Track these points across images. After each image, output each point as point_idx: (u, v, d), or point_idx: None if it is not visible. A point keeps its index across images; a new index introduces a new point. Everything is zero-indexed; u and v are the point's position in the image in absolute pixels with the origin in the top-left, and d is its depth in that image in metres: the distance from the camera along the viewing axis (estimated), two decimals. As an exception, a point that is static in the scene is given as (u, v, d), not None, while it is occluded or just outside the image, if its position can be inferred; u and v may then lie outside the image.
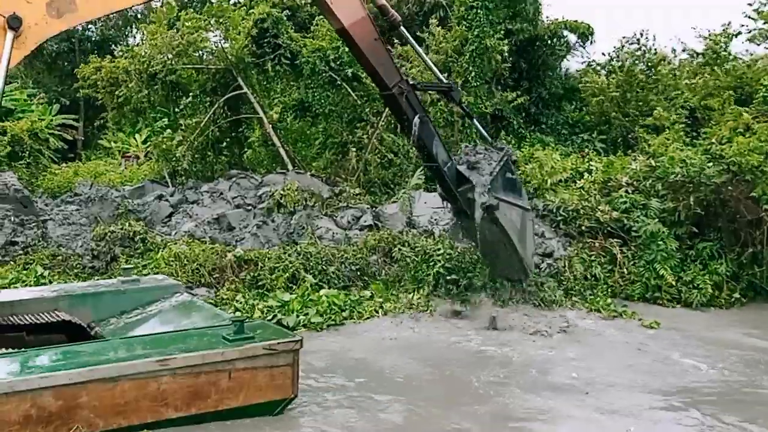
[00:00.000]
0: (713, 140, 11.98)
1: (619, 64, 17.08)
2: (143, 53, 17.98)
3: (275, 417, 5.95)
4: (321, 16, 15.64)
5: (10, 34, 5.40)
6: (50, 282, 10.30)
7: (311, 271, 10.37)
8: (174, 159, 18.12)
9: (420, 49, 9.44)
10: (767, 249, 10.79)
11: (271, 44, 16.97)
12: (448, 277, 10.00)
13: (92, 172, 22.26)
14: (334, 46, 16.07)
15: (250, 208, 13.67)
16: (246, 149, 19.19)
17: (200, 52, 18.01)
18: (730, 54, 16.23)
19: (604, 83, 16.93)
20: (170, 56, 17.40)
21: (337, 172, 16.49)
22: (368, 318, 9.44)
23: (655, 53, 17.16)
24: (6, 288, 9.70)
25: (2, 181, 14.43)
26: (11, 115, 23.21)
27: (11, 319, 6.88)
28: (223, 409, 5.65)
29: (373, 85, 11.11)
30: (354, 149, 16.21)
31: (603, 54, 18.53)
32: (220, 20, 17.75)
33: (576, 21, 18.27)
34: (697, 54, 17.14)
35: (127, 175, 22.13)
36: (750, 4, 16.70)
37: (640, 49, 17.18)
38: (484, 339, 8.73)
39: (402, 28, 8.75)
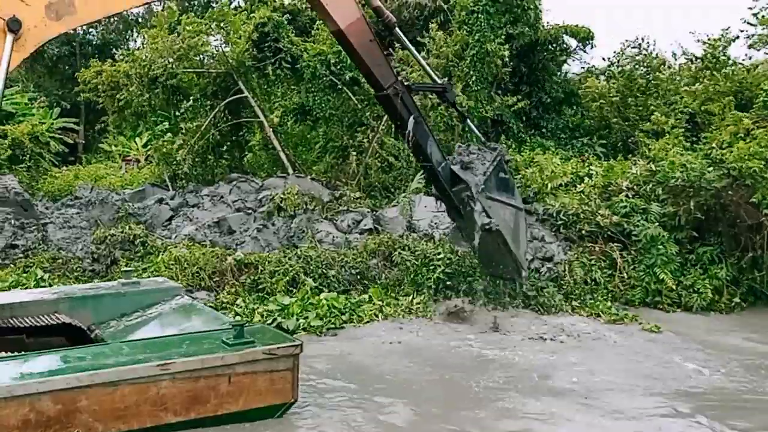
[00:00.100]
0: (713, 145, 11.98)
1: (619, 69, 17.09)
2: (144, 57, 17.98)
3: (275, 420, 5.94)
4: (322, 21, 15.66)
5: (9, 37, 5.41)
6: (50, 285, 10.30)
7: (311, 275, 10.38)
8: (174, 162, 18.12)
9: (414, 51, 9.50)
10: (767, 254, 10.78)
11: (272, 48, 17.00)
12: (448, 282, 10.02)
13: (93, 176, 22.28)
14: (334, 50, 16.09)
15: (250, 211, 13.67)
16: (246, 153, 19.21)
17: (201, 56, 18.03)
18: (729, 59, 16.24)
19: (604, 88, 16.94)
20: (171, 60, 17.41)
21: (337, 175, 16.50)
22: (368, 322, 9.43)
23: (656, 57, 17.18)
24: (6, 291, 9.70)
25: (3, 185, 14.44)
26: (12, 119, 23.27)
27: (11, 321, 6.87)
28: (222, 414, 5.63)
29: (373, 88, 11.14)
30: (354, 153, 16.22)
31: (603, 59, 18.56)
32: (221, 24, 17.78)
33: (576, 25, 18.28)
34: (696, 58, 17.15)
35: (127, 178, 22.14)
36: (750, 8, 16.74)
37: (640, 53, 17.19)
38: (484, 343, 8.72)
39: (397, 29, 8.80)
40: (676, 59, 17.77)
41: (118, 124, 21.60)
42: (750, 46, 16.93)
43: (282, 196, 13.26)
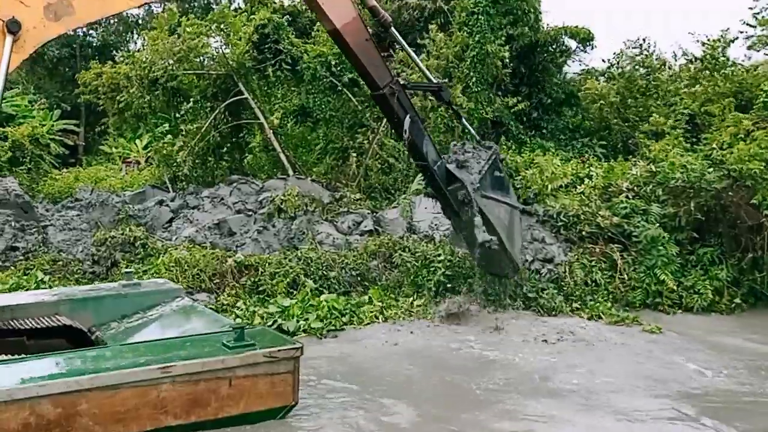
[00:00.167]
0: (714, 146, 11.98)
1: (619, 71, 17.09)
2: (144, 59, 18.00)
3: (276, 422, 5.93)
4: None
5: (9, 38, 5.41)
6: (50, 287, 10.29)
7: (312, 276, 10.38)
8: (175, 164, 18.15)
9: (410, 50, 9.50)
10: (767, 254, 10.79)
11: (272, 50, 17.02)
12: (448, 285, 10.03)
13: (93, 178, 22.32)
14: (334, 52, 16.09)
15: (250, 213, 13.67)
16: (247, 154, 19.22)
17: (201, 57, 18.05)
18: (728, 60, 16.24)
19: (604, 89, 16.94)
20: (171, 62, 17.43)
21: (337, 177, 16.52)
22: (368, 324, 9.43)
23: (657, 58, 17.18)
24: (6, 293, 9.70)
25: (3, 187, 14.46)
26: (12, 121, 23.30)
27: (12, 323, 6.86)
28: (223, 417, 5.62)
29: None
30: (354, 154, 16.24)
31: (603, 61, 18.58)
32: (221, 26, 17.79)
33: (576, 26, 18.30)
34: (696, 59, 17.15)
35: (127, 180, 22.18)
36: (751, 8, 16.72)
37: (641, 53, 17.19)
38: (484, 345, 8.71)
39: (393, 29, 8.84)
40: (676, 60, 17.79)
41: (119, 126, 21.64)
42: (749, 47, 16.93)
43: (282, 197, 13.26)
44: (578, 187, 12.94)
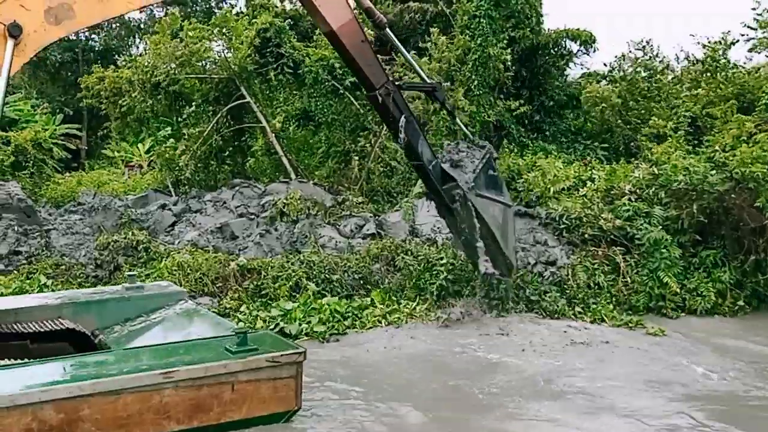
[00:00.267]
0: (716, 148, 11.96)
1: (621, 74, 17.07)
2: (146, 63, 18.03)
3: (278, 426, 5.92)
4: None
5: (10, 42, 5.43)
6: (54, 291, 10.29)
7: (314, 280, 10.39)
8: (177, 168, 18.16)
9: (404, 50, 9.54)
10: (771, 257, 10.76)
11: (274, 54, 17.00)
12: (451, 288, 10.02)
13: (96, 182, 22.31)
14: (336, 56, 16.06)
15: (253, 217, 13.67)
16: (249, 158, 19.22)
17: (203, 61, 18.05)
18: (729, 62, 16.22)
19: (606, 91, 16.91)
20: (173, 66, 17.43)
21: (339, 180, 16.50)
22: (371, 328, 9.42)
23: (661, 61, 17.15)
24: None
25: (6, 191, 14.48)
26: (15, 125, 23.36)
27: (15, 327, 6.88)
28: (225, 422, 5.62)
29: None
30: (357, 158, 16.22)
31: (604, 65, 18.54)
32: (224, 30, 17.81)
33: (578, 29, 18.29)
34: (697, 61, 17.12)
35: (130, 184, 22.18)
36: (754, 9, 16.67)
37: (645, 54, 17.15)
38: (488, 348, 8.70)
39: (388, 30, 8.90)
40: (678, 62, 17.76)
41: (121, 130, 21.65)
42: (750, 50, 16.88)
43: (284, 201, 13.27)
44: (580, 189, 12.92)
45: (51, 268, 11.67)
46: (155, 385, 5.31)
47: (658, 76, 16.73)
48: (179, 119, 19.41)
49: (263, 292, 10.18)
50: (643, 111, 16.21)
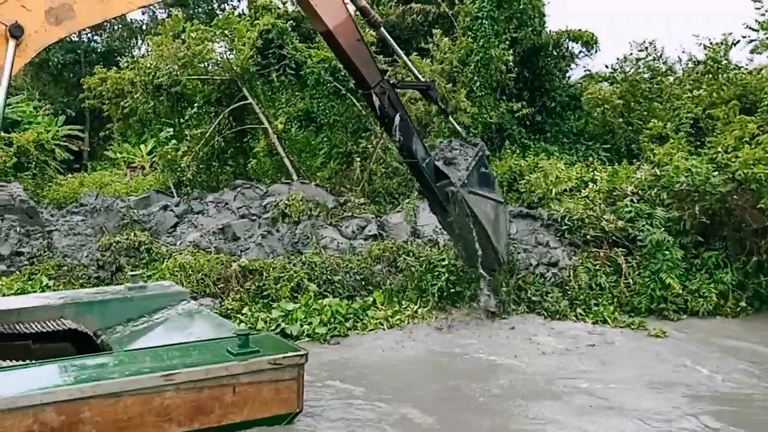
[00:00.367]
0: (718, 149, 11.94)
1: (622, 76, 17.05)
2: (149, 64, 18.05)
3: (280, 428, 5.92)
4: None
5: (12, 43, 5.44)
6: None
7: (316, 281, 10.39)
8: (179, 169, 18.16)
9: (399, 50, 9.56)
10: (773, 258, 10.73)
11: (276, 55, 17.02)
12: (452, 290, 10.02)
13: (98, 183, 22.36)
14: (338, 57, 16.09)
15: (254, 218, 13.68)
16: (251, 159, 19.24)
17: (205, 63, 18.07)
18: (730, 63, 16.19)
19: (607, 93, 16.90)
20: (176, 67, 17.44)
21: (341, 182, 16.49)
22: (372, 329, 9.42)
23: (665, 62, 17.13)
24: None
25: (8, 192, 14.50)
26: (17, 127, 23.40)
27: (17, 327, 6.88)
28: (227, 424, 5.61)
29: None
30: (359, 159, 16.22)
31: (606, 66, 18.53)
32: (226, 31, 17.83)
33: (580, 30, 18.29)
34: (699, 62, 17.09)
35: (132, 185, 22.20)
36: (757, 9, 16.62)
37: (648, 55, 17.12)
38: (489, 349, 8.70)
39: (383, 29, 8.96)
40: (681, 64, 17.73)
41: (123, 132, 21.69)
42: (752, 51, 16.84)
43: (286, 202, 13.27)
44: (582, 190, 12.91)
45: (53, 269, 11.67)
46: (156, 387, 5.31)
47: (660, 77, 16.70)
48: (181, 120, 19.43)
49: (265, 293, 10.17)
50: (644, 112, 16.19)
